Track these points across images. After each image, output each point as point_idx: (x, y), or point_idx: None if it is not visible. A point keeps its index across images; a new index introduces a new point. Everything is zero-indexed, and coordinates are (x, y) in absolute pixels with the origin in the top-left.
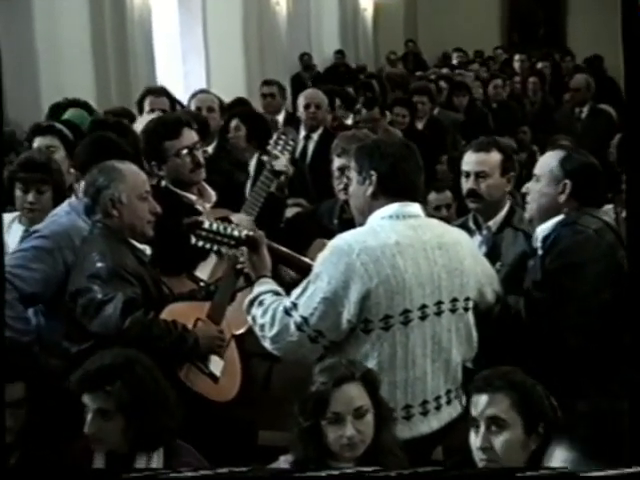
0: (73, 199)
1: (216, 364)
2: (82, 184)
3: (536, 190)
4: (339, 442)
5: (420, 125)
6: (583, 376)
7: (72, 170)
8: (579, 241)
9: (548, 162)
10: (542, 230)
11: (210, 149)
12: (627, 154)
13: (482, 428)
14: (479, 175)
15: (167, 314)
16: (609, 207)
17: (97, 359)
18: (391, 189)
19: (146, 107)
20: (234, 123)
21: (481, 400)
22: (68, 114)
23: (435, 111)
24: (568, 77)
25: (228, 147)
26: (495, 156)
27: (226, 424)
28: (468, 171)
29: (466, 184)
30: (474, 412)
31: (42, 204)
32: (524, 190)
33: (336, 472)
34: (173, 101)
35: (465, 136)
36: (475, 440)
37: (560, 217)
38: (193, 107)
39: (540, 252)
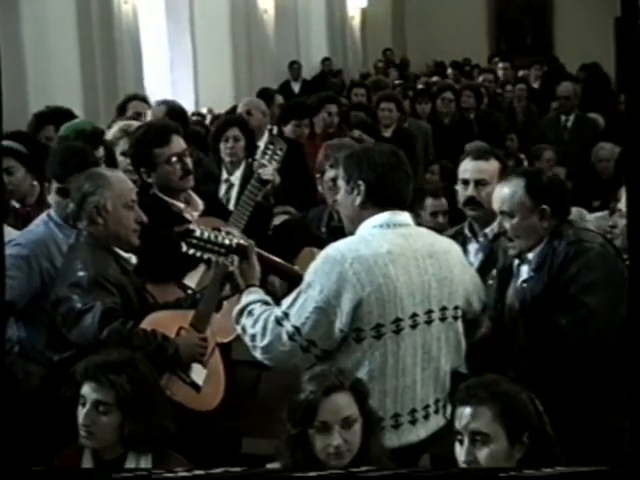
0: (52, 210)
1: (199, 373)
2: (53, 195)
3: (515, 226)
4: (326, 451)
5: (388, 133)
6: (601, 391)
7: (35, 183)
8: (591, 258)
9: (512, 196)
10: (534, 255)
11: None
12: (625, 162)
13: (466, 442)
14: (479, 183)
15: (148, 323)
16: (602, 214)
17: (103, 353)
18: (379, 199)
19: (129, 111)
20: (234, 132)
21: (464, 413)
22: (76, 123)
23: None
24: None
25: (199, 156)
26: (494, 164)
27: (209, 432)
28: (467, 179)
29: (465, 192)
30: (458, 425)
31: None
32: (498, 229)
33: (326, 472)
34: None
35: (452, 144)
36: (460, 453)
37: (546, 240)
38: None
39: (529, 275)
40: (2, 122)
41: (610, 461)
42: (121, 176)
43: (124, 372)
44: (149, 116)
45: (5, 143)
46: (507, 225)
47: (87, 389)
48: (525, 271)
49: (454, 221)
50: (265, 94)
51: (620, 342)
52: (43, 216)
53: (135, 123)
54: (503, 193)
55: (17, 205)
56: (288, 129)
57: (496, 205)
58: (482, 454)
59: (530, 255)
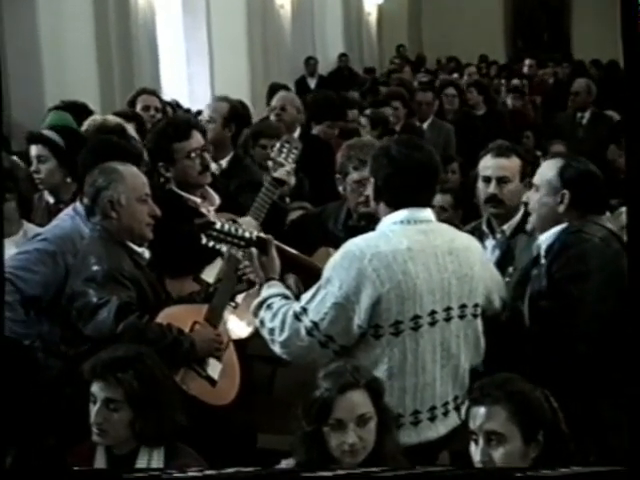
0: (78, 204)
1: (214, 367)
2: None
3: (535, 200)
4: (341, 448)
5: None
6: (591, 384)
7: (69, 180)
8: (585, 249)
9: (546, 172)
10: (545, 239)
11: (224, 162)
12: (626, 159)
13: (481, 442)
14: (501, 180)
15: (163, 317)
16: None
17: (110, 350)
18: (385, 198)
19: (138, 105)
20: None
21: (479, 413)
22: (50, 118)
23: (429, 119)
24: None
25: (244, 163)
26: (515, 161)
27: (224, 427)
28: (489, 176)
29: (487, 189)
30: (472, 425)
31: (5, 213)
32: (524, 199)
33: (343, 472)
34: (163, 102)
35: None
36: (475, 453)
37: (562, 226)
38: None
39: (544, 261)
40: (2, 118)
41: (612, 459)
42: (134, 170)
43: (131, 368)
44: (207, 112)
45: (46, 133)
46: (532, 198)
47: (96, 388)
48: (542, 255)
49: (468, 216)
50: (272, 88)
51: (616, 339)
52: (69, 210)
53: (98, 117)
54: (542, 168)
55: (51, 200)
56: (319, 128)
57: (534, 178)
58: (497, 454)
59: (542, 238)
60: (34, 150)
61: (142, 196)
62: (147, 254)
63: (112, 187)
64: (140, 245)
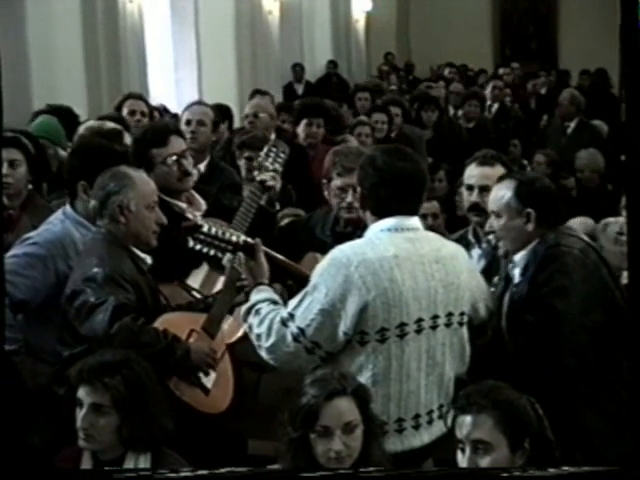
0: (68, 207)
1: (208, 376)
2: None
3: (501, 226)
4: (326, 455)
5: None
6: (575, 393)
7: (30, 186)
8: (567, 262)
9: (502, 196)
10: (520, 259)
11: (202, 167)
12: (625, 170)
13: (467, 450)
14: (483, 189)
15: (161, 323)
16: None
17: (97, 355)
18: (370, 207)
19: (125, 110)
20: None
21: (465, 422)
22: (39, 120)
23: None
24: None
25: (222, 166)
26: (499, 170)
27: (215, 433)
28: (472, 185)
29: (469, 197)
30: (459, 434)
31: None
32: (488, 229)
33: (331, 472)
34: (150, 107)
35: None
36: (462, 461)
37: (534, 243)
38: (184, 120)
39: (519, 279)
40: (2, 121)
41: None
42: (145, 177)
43: (118, 373)
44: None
45: (22, 138)
46: (495, 225)
47: (82, 392)
48: (517, 275)
49: (453, 226)
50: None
51: (601, 348)
52: (59, 214)
53: (95, 123)
54: (494, 193)
55: None
56: (300, 128)
57: (489, 205)
58: (484, 462)
59: (517, 258)
60: (7, 154)
61: (151, 203)
62: (149, 260)
63: (123, 192)
64: (143, 251)
